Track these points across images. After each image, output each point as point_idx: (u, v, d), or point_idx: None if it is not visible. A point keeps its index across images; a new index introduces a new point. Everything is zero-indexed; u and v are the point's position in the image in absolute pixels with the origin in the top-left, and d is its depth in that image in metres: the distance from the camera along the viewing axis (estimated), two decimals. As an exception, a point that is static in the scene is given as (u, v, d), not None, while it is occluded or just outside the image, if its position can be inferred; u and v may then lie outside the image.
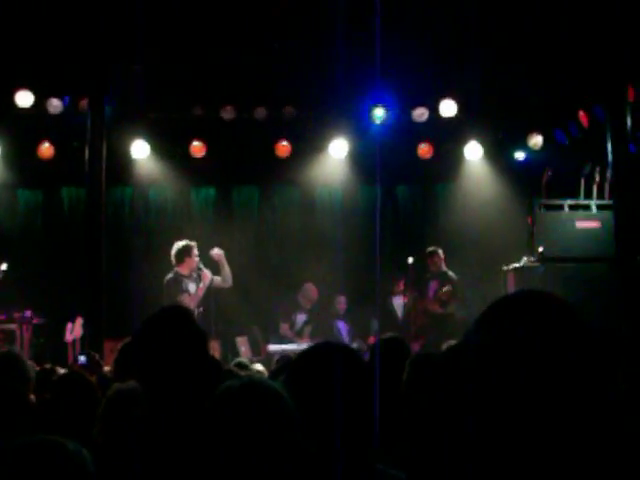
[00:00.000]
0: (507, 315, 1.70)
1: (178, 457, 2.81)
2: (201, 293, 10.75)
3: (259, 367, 7.54)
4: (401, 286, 12.20)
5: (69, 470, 1.95)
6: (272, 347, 11.73)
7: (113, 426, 3.60)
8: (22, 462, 1.93)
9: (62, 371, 5.93)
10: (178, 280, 10.74)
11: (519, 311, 1.69)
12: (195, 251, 10.86)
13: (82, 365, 9.35)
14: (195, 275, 10.83)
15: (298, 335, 12.12)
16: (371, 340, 11.74)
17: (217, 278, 10.91)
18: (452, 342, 6.19)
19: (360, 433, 2.45)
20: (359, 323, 12.52)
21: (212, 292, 10.94)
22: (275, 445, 2.23)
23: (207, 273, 10.78)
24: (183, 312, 3.34)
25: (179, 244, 10.96)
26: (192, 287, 10.77)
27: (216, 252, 10.97)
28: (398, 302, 12.35)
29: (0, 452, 1.96)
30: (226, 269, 10.99)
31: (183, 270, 10.80)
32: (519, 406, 1.44)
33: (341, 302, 12.57)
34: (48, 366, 6.03)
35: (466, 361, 1.66)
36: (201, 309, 10.72)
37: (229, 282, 11.04)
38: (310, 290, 12.23)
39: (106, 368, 7.98)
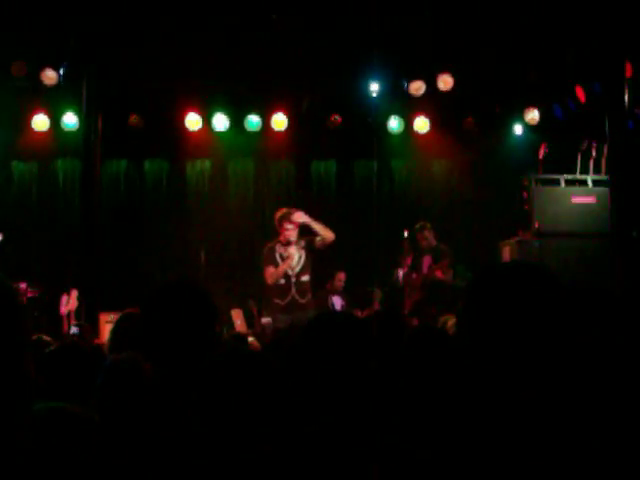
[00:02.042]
0: (496, 285, 1.70)
1: (178, 427, 2.81)
2: (281, 272, 10.19)
3: (251, 340, 7.53)
4: (409, 259, 12.17)
5: (81, 436, 1.94)
6: (266, 320, 11.70)
7: (112, 397, 3.60)
8: (35, 428, 1.92)
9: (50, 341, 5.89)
10: (273, 249, 10.24)
11: (507, 281, 1.69)
12: (289, 219, 10.15)
13: (74, 336, 9.36)
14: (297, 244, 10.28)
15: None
16: (365, 313, 11.69)
17: (318, 239, 10.24)
18: (449, 317, 6.17)
19: (361, 403, 2.45)
20: (358, 297, 12.50)
21: (315, 257, 10.40)
22: (262, 414, 2.23)
23: (293, 254, 10.22)
24: (191, 284, 3.32)
25: (282, 210, 10.39)
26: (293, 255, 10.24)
27: (298, 216, 10.21)
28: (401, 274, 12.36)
29: None
30: (318, 226, 10.23)
31: (281, 238, 10.23)
32: (513, 375, 1.43)
33: (341, 279, 12.53)
34: (35, 337, 5.97)
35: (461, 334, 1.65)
36: (308, 277, 10.26)
37: (330, 236, 10.24)
38: (290, 257, 12.00)
39: (99, 341, 7.98)
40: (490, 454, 1.48)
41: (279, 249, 10.25)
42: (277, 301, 10.28)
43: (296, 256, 10.26)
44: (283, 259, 10.25)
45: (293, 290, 10.23)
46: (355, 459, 2.41)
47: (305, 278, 10.26)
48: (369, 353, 2.49)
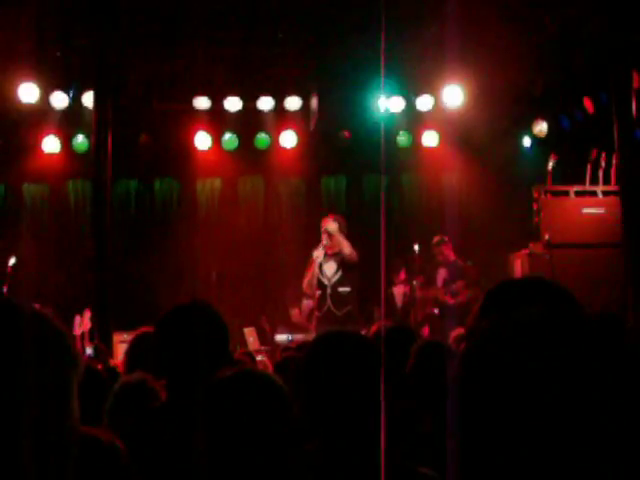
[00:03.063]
0: (508, 300, 1.70)
1: (189, 448, 2.83)
2: (310, 277, 10.04)
3: (260, 358, 7.55)
4: (402, 276, 12.14)
5: (104, 463, 1.93)
6: (279, 337, 11.73)
7: (122, 419, 3.61)
8: None
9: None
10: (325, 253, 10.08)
11: (519, 296, 1.69)
12: (328, 225, 9.95)
13: (89, 357, 9.38)
14: (336, 254, 10.03)
15: (308, 321, 12.01)
16: (374, 328, 11.59)
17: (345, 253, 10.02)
18: (460, 330, 6.19)
19: (373, 421, 2.46)
20: (363, 312, 12.48)
21: (354, 271, 10.05)
22: (267, 433, 2.25)
23: (316, 258, 10.01)
24: (203, 305, 3.35)
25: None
26: (327, 266, 10.06)
27: (326, 222, 10.10)
28: (398, 292, 12.29)
29: None
30: (340, 239, 10.02)
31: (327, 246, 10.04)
32: (524, 394, 1.43)
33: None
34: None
35: (473, 348, 1.65)
36: (348, 289, 10.03)
37: (346, 252, 10.00)
38: (313, 261, 11.86)
39: (113, 361, 8.00)
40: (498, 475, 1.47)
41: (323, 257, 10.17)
42: (317, 313, 10.14)
43: (331, 266, 10.13)
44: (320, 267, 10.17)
45: (328, 301, 10.03)
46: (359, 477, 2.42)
47: (343, 289, 10.04)
48: (374, 374, 2.50)
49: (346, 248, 10.09)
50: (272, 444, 2.25)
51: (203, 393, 2.33)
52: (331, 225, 10.17)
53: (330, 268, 10.17)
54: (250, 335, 11.40)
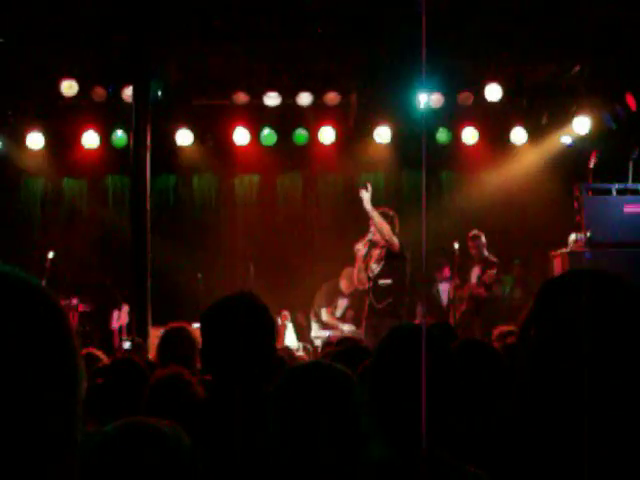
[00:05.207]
0: (565, 295, 1.65)
1: (241, 440, 2.80)
2: (357, 270, 9.84)
3: (300, 354, 7.54)
4: (446, 272, 12.06)
5: (168, 454, 1.91)
6: (315, 333, 11.71)
7: (159, 412, 3.59)
8: (120, 446, 1.89)
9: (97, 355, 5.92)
10: (371, 245, 9.78)
11: (577, 290, 1.65)
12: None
13: (127, 351, 9.41)
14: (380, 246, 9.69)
15: (340, 320, 11.96)
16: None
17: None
18: (503, 328, 6.13)
19: (443, 420, 2.46)
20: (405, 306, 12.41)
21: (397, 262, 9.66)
22: (341, 422, 2.23)
23: (358, 250, 9.74)
24: (251, 298, 3.29)
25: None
26: (371, 259, 9.77)
27: (361, 192, 9.68)
28: (444, 288, 12.23)
29: (95, 436, 1.92)
30: (375, 216, 9.57)
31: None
32: (581, 386, 1.38)
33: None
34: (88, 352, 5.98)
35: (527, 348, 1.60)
36: (389, 281, 9.67)
37: (384, 234, 9.54)
38: (351, 274, 11.76)
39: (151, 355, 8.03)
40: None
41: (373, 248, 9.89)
42: (365, 307, 9.92)
43: (375, 258, 9.87)
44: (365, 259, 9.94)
45: (370, 294, 9.80)
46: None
47: (383, 282, 9.71)
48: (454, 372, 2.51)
49: (384, 231, 9.64)
50: (343, 436, 2.23)
51: (277, 383, 2.31)
52: (364, 195, 9.71)
53: (373, 260, 9.96)
54: (286, 330, 11.41)
